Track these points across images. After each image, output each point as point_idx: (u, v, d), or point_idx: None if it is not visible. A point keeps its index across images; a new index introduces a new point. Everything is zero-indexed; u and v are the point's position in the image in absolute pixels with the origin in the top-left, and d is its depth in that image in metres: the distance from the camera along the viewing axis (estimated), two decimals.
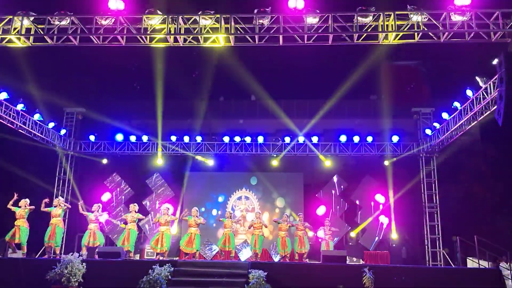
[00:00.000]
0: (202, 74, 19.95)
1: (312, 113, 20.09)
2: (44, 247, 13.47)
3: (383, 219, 17.96)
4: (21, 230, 12.54)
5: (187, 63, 18.85)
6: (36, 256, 15.19)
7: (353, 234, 18.10)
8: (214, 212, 19.19)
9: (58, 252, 13.11)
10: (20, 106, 14.87)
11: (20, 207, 12.78)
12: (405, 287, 10.63)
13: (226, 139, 18.16)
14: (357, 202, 18.49)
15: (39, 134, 16.32)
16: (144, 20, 11.47)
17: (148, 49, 14.06)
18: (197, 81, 20.63)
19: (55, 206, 13.16)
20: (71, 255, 10.83)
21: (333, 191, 18.64)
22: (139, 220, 13.83)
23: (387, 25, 11.11)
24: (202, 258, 16.64)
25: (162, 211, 13.83)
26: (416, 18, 11.01)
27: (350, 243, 18.12)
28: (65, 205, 13.45)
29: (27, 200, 12.93)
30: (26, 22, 11.50)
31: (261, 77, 18.87)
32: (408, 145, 17.93)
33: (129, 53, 17.02)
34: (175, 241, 16.44)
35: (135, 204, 13.99)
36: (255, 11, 11.27)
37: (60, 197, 13.84)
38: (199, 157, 18.41)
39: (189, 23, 11.56)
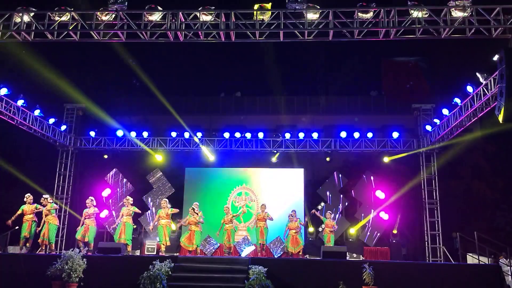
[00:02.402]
0: (202, 70, 19.98)
1: (312, 109, 20.12)
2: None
3: (383, 215, 17.99)
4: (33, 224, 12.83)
5: (188, 60, 18.88)
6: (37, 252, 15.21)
7: (352, 231, 18.08)
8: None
9: (53, 248, 13.13)
10: (20, 102, 14.86)
11: (26, 202, 12.85)
12: (405, 284, 10.66)
13: (227, 135, 18.16)
14: (357, 198, 18.52)
15: (39, 130, 16.31)
16: (145, 15, 11.48)
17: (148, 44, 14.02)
18: (198, 77, 20.64)
19: (44, 205, 13.13)
20: (72, 250, 10.85)
21: (333, 187, 18.65)
22: (135, 213, 13.83)
23: (387, 21, 11.11)
24: (203, 254, 16.68)
25: (161, 204, 13.85)
26: (417, 14, 11.00)
27: (350, 239, 18.13)
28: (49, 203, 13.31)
29: (30, 195, 12.99)
30: (26, 18, 11.51)
31: (261, 74, 18.90)
32: (408, 141, 17.92)
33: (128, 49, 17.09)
34: (175, 237, 16.48)
35: (128, 197, 14.02)
36: (256, 6, 11.27)
37: (45, 195, 13.52)
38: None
39: (189, 18, 11.57)
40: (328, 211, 14.87)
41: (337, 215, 18.24)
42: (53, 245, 13.24)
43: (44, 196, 13.37)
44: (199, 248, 14.18)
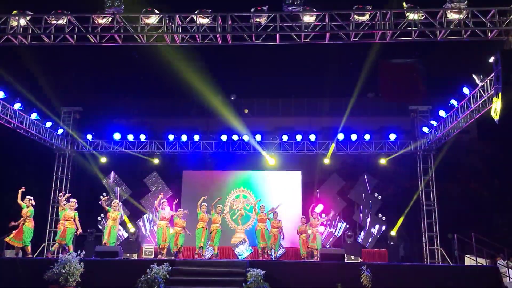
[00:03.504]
0: (200, 72, 19.95)
1: (310, 112, 20.14)
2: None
3: (381, 217, 17.99)
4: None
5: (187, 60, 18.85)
6: (34, 256, 15.14)
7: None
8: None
9: (29, 251, 12.64)
10: (17, 106, 14.82)
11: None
12: (403, 285, 10.66)
13: (224, 137, 18.15)
14: (355, 200, 18.51)
15: (36, 134, 16.28)
16: (141, 19, 11.48)
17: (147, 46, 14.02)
18: (195, 79, 20.60)
19: (27, 206, 12.69)
20: (69, 254, 10.81)
21: (331, 189, 18.63)
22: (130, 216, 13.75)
23: (383, 24, 11.14)
24: (200, 257, 16.62)
25: (163, 205, 13.78)
26: (413, 16, 11.05)
27: (348, 241, 18.11)
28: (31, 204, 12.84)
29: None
30: (23, 22, 11.50)
31: (259, 75, 18.90)
32: (405, 143, 17.93)
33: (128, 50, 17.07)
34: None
35: (116, 201, 13.97)
36: (252, 9, 11.29)
37: (29, 196, 12.91)
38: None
39: (186, 21, 11.58)
40: (315, 211, 14.85)
41: (336, 217, 18.25)
42: (29, 248, 12.63)
43: (28, 197, 13.05)
44: (201, 250, 14.04)
